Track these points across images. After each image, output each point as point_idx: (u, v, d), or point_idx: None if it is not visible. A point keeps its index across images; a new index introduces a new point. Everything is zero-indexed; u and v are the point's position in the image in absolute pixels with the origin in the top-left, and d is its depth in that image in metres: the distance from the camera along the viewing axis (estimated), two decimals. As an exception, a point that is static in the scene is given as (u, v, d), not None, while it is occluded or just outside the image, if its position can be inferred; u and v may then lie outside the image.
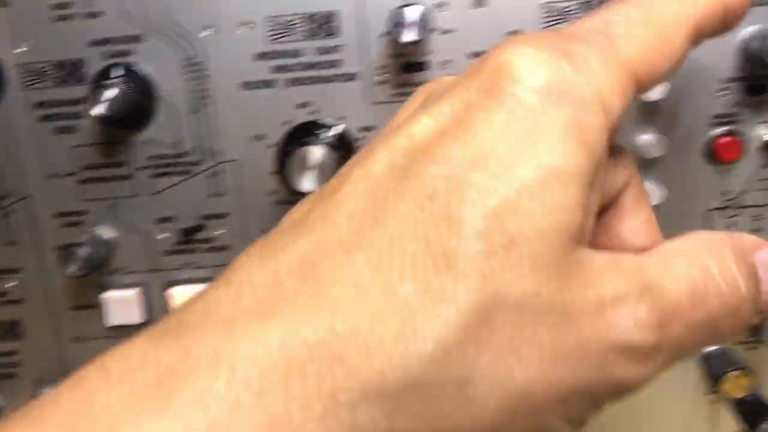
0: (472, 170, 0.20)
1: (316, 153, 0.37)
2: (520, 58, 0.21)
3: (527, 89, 0.21)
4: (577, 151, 0.20)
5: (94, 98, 0.36)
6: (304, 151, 0.37)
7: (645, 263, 0.22)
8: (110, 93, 0.36)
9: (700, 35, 0.24)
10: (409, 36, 0.35)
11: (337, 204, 0.22)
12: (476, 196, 0.20)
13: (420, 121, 0.22)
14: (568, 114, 0.21)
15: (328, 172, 0.37)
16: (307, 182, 0.37)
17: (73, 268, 0.38)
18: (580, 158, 0.21)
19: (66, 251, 0.38)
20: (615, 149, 0.25)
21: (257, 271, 0.21)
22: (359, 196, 0.21)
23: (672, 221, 0.40)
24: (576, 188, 0.20)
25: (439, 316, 0.19)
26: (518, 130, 0.20)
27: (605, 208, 0.26)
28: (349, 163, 0.24)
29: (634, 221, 0.25)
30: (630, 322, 0.21)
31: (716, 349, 0.41)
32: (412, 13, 0.35)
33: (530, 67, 0.21)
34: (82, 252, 0.38)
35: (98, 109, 0.36)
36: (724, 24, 0.25)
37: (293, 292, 0.20)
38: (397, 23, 0.35)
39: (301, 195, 0.38)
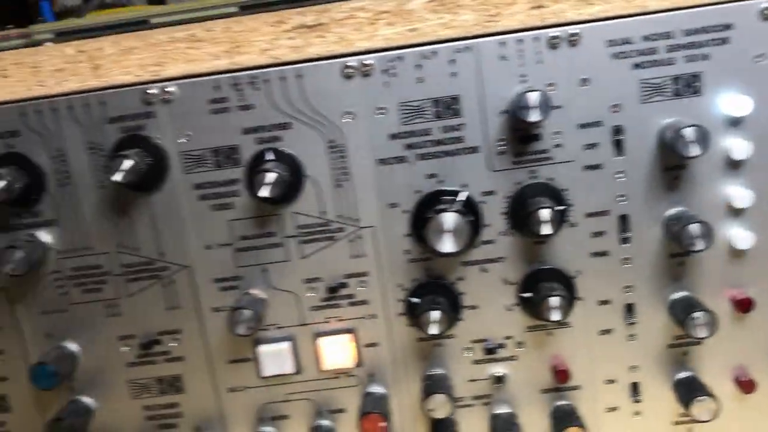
0: None
1: (450, 218, 0.42)
2: None
3: None
4: None
5: (256, 181, 0.42)
6: (440, 218, 0.42)
7: None
8: (271, 176, 0.42)
9: None
10: (534, 117, 0.41)
11: None
12: None
13: None
14: None
15: (461, 235, 0.42)
16: (446, 244, 0.42)
17: (241, 330, 0.44)
18: None
19: (233, 314, 0.44)
20: None
21: None
22: None
23: (763, 262, 0.45)
24: None
25: None
26: None
27: None
28: None
29: None
30: None
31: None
32: (535, 98, 0.41)
33: None
34: (247, 314, 0.44)
35: (263, 192, 0.42)
36: None
37: None
38: (523, 106, 0.41)
39: (439, 254, 0.43)
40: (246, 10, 0.51)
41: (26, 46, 0.53)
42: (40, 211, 0.46)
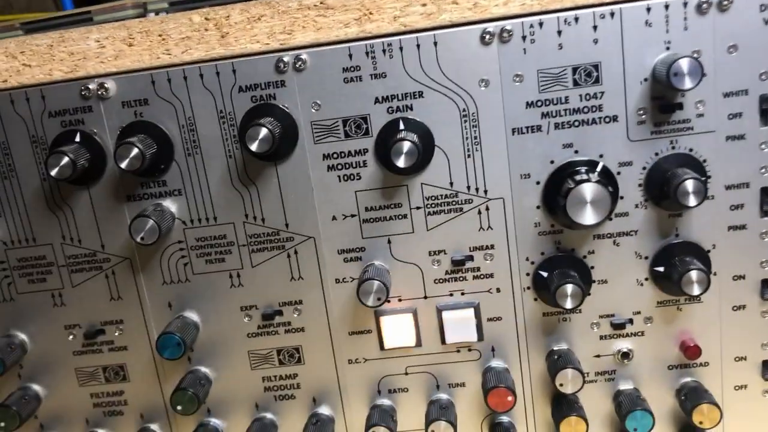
0: None
1: (592, 189, 0.41)
2: None
3: None
4: None
5: (393, 151, 0.41)
6: (581, 189, 0.41)
7: None
8: (407, 146, 0.41)
9: None
10: (687, 84, 0.39)
11: None
12: None
13: None
14: None
15: (602, 206, 0.41)
16: (587, 216, 0.41)
17: (371, 301, 0.43)
18: None
19: (363, 285, 0.43)
20: None
21: None
22: None
23: None
24: None
25: None
26: None
27: None
28: None
29: None
30: None
31: None
32: (687, 64, 0.39)
33: None
34: (377, 285, 0.43)
35: (400, 162, 0.41)
36: None
37: None
38: (675, 73, 0.39)
39: (579, 226, 0.42)
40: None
41: (140, 16, 0.53)
42: (167, 181, 0.46)
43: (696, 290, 0.42)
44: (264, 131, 0.41)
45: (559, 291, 0.43)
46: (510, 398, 0.45)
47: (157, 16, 0.47)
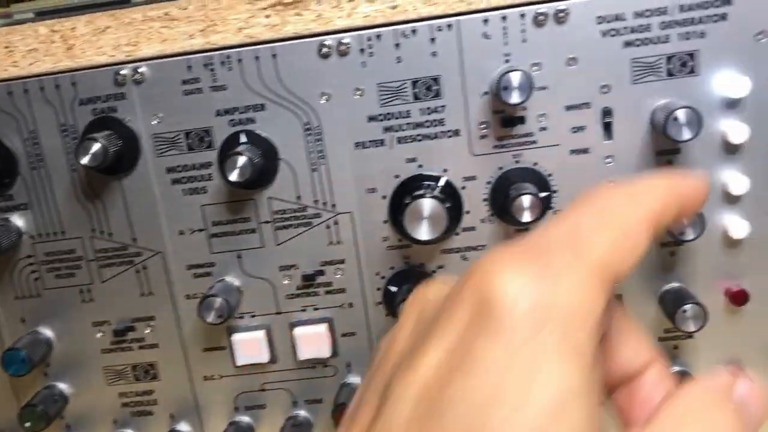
0: (491, 408, 0.21)
1: (427, 205, 0.41)
2: (502, 284, 0.22)
3: (517, 318, 0.22)
4: (575, 367, 0.22)
5: (227, 165, 0.40)
6: (417, 204, 0.41)
7: None
8: (241, 161, 0.40)
9: (661, 228, 0.26)
10: (515, 98, 0.39)
11: None
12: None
13: (425, 358, 0.23)
14: (558, 335, 0.22)
15: (439, 222, 0.41)
16: (423, 232, 0.41)
17: (213, 317, 0.43)
18: (580, 370, 0.22)
19: (205, 302, 0.43)
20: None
21: None
22: None
23: (760, 252, 0.43)
24: (587, 397, 0.22)
25: None
26: (520, 360, 0.22)
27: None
28: (369, 392, 0.25)
29: (627, 349, 0.28)
30: None
31: None
32: (516, 78, 0.39)
33: (515, 293, 0.22)
34: (218, 302, 0.43)
35: (233, 176, 0.40)
36: (684, 214, 0.27)
37: None
38: (505, 87, 0.39)
39: (416, 242, 0.42)
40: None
41: (6, 25, 0.52)
42: (12, 195, 0.45)
43: (537, 307, 0.41)
44: (96, 146, 0.41)
45: (401, 308, 0.42)
46: (358, 416, 0.44)
47: (2, 27, 0.46)
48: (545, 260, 0.23)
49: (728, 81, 0.40)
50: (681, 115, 0.38)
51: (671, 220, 0.26)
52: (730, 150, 0.41)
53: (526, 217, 0.40)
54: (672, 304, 0.42)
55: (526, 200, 0.40)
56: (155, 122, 0.43)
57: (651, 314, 0.44)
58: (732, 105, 0.41)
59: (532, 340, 0.22)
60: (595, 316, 0.23)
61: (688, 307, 0.41)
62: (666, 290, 0.44)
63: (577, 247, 0.24)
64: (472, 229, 0.44)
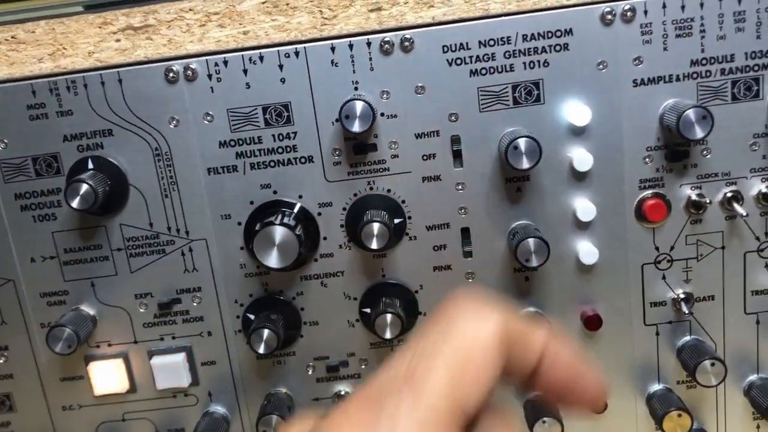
0: None
1: (278, 231, 0.40)
2: None
3: None
4: None
5: (67, 193, 0.39)
6: (267, 232, 0.40)
7: None
8: (83, 187, 0.39)
9: (510, 350, 0.25)
10: (357, 127, 0.39)
11: None
12: None
13: None
14: None
15: (289, 249, 0.40)
16: (273, 259, 0.40)
17: (62, 348, 0.41)
18: None
19: (52, 332, 0.41)
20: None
21: None
22: None
23: (610, 277, 0.43)
24: None
25: None
26: None
27: None
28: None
29: None
30: None
31: (659, 389, 0.45)
32: (358, 108, 0.38)
33: None
34: (68, 332, 0.41)
35: (75, 203, 0.39)
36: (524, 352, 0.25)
37: None
38: (347, 115, 0.39)
39: (270, 269, 0.41)
40: (89, 9, 0.49)
41: None
42: None
43: (388, 334, 0.41)
44: (-70, 172, 0.39)
45: (254, 336, 0.41)
46: (214, 447, 0.43)
47: None
48: (381, 409, 0.23)
49: (572, 109, 0.41)
50: (521, 144, 0.39)
51: (519, 346, 0.25)
52: (578, 177, 0.42)
53: (374, 244, 0.40)
54: (525, 329, 0.42)
55: (375, 227, 0.40)
56: (1, 147, 0.42)
57: (511, 338, 0.45)
58: (577, 133, 0.41)
59: None
60: None
61: (538, 332, 0.41)
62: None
63: (415, 388, 0.23)
64: (330, 255, 0.43)
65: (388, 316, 0.41)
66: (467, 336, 0.24)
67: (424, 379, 0.23)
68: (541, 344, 0.25)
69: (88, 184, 0.39)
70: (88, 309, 0.44)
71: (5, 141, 0.42)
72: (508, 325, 0.24)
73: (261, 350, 0.41)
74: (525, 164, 0.39)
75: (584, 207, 0.42)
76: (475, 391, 0.23)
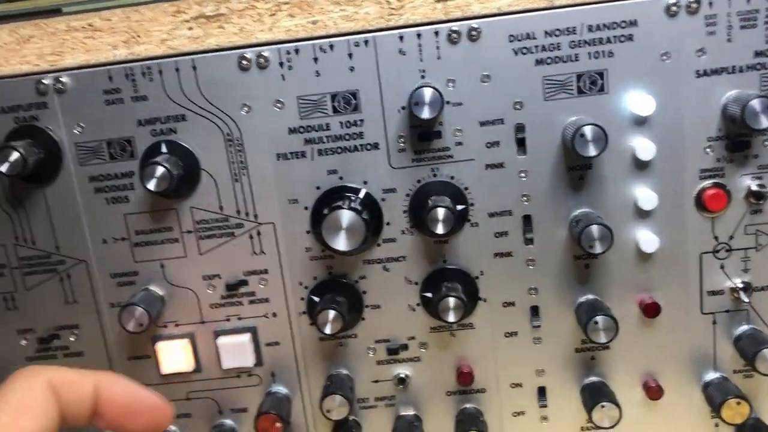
0: None
1: (344, 216, 0.41)
2: None
3: None
4: None
5: (144, 175, 0.41)
6: (335, 216, 0.41)
7: None
8: (159, 170, 0.41)
9: (65, 400, 0.28)
10: (426, 114, 0.40)
11: None
12: None
13: None
14: None
15: (357, 233, 0.41)
16: (341, 242, 0.41)
17: (133, 326, 0.43)
18: None
19: (125, 310, 0.43)
20: None
21: None
22: None
23: (669, 266, 0.44)
24: None
25: None
26: None
27: None
28: None
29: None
30: None
31: (716, 378, 0.45)
32: (427, 94, 0.39)
33: None
34: (140, 311, 0.43)
35: (150, 185, 0.41)
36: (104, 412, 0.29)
37: None
38: (417, 102, 0.40)
39: (336, 252, 0.42)
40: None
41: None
42: (-66, 202, 0.45)
43: (450, 317, 0.42)
44: (14, 154, 0.41)
45: (320, 317, 0.42)
46: (278, 424, 0.44)
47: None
48: None
49: (636, 99, 0.41)
50: (588, 131, 0.40)
51: (87, 397, 0.29)
52: (639, 166, 0.43)
53: (440, 229, 0.41)
54: (585, 315, 0.43)
55: (440, 212, 0.41)
56: (77, 131, 0.43)
57: (568, 326, 0.45)
58: (640, 123, 0.42)
59: None
60: None
61: (599, 318, 0.42)
62: (581, 302, 0.45)
63: None
64: (393, 240, 0.44)
65: (452, 300, 0.42)
66: (17, 392, 0.28)
67: None
68: (91, 384, 0.29)
69: (164, 166, 0.41)
70: (157, 289, 0.45)
71: (82, 125, 0.43)
72: (56, 376, 0.28)
73: (327, 330, 0.42)
74: (592, 151, 0.39)
75: (646, 196, 0.42)
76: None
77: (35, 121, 0.43)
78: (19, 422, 0.27)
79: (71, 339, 0.47)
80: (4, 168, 0.41)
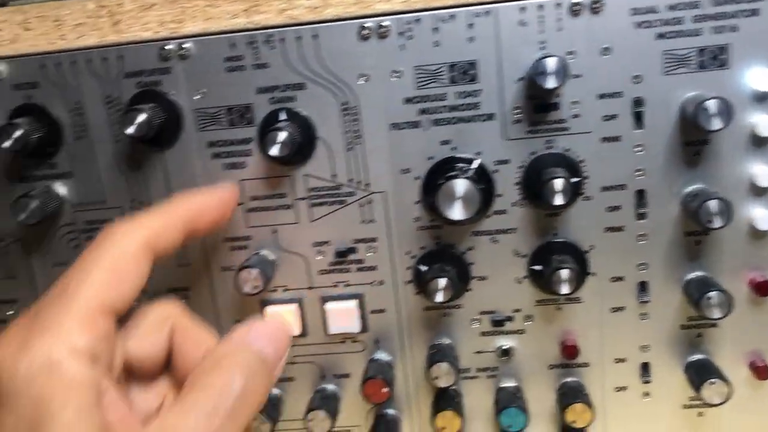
0: None
1: (461, 185, 0.42)
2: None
3: (16, 383, 0.26)
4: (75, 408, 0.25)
5: (267, 140, 0.42)
6: (451, 184, 0.42)
7: None
8: (282, 135, 0.42)
9: (164, 248, 0.31)
10: (551, 83, 0.40)
11: None
12: None
13: None
14: (45, 390, 0.25)
15: (472, 202, 0.42)
16: (456, 211, 0.42)
17: (249, 288, 0.44)
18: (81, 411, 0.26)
19: (241, 273, 0.44)
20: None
21: None
22: None
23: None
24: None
25: None
26: (28, 418, 0.25)
27: None
28: None
29: (193, 347, 0.36)
30: None
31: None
32: (552, 64, 0.40)
33: (7, 363, 0.26)
34: (254, 273, 0.44)
35: (273, 150, 0.42)
36: (201, 227, 0.32)
37: None
38: (540, 72, 0.40)
39: (448, 222, 0.43)
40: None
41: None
42: (56, 163, 0.46)
43: (564, 289, 0.42)
44: (141, 116, 0.42)
45: (430, 285, 0.43)
46: (384, 390, 0.45)
47: (54, 1, 0.47)
48: (34, 321, 0.27)
49: (759, 75, 0.41)
50: (711, 105, 0.39)
51: (179, 237, 0.33)
52: (758, 143, 0.42)
53: (558, 200, 0.41)
54: (697, 291, 0.43)
55: (558, 183, 0.41)
56: (198, 97, 0.45)
57: (675, 302, 0.45)
58: (762, 99, 0.42)
59: (34, 399, 0.25)
60: (86, 347, 0.27)
61: (713, 294, 0.42)
62: (690, 278, 0.44)
63: (64, 299, 0.28)
64: (503, 212, 0.45)
65: (566, 272, 0.42)
66: (115, 249, 0.30)
67: (74, 291, 0.28)
68: (182, 224, 0.34)
69: (287, 131, 0.42)
70: (269, 254, 0.46)
71: (203, 91, 0.44)
72: (150, 234, 0.31)
73: (439, 298, 0.43)
74: (716, 125, 0.39)
75: (764, 172, 0.42)
76: (127, 294, 0.30)
77: (157, 86, 0.45)
78: (113, 282, 0.29)
79: (183, 301, 0.48)
80: (131, 130, 0.42)
